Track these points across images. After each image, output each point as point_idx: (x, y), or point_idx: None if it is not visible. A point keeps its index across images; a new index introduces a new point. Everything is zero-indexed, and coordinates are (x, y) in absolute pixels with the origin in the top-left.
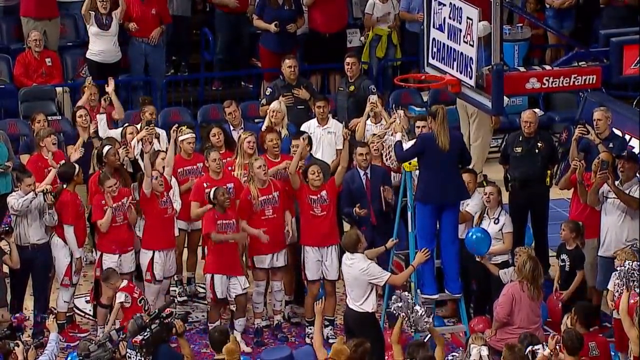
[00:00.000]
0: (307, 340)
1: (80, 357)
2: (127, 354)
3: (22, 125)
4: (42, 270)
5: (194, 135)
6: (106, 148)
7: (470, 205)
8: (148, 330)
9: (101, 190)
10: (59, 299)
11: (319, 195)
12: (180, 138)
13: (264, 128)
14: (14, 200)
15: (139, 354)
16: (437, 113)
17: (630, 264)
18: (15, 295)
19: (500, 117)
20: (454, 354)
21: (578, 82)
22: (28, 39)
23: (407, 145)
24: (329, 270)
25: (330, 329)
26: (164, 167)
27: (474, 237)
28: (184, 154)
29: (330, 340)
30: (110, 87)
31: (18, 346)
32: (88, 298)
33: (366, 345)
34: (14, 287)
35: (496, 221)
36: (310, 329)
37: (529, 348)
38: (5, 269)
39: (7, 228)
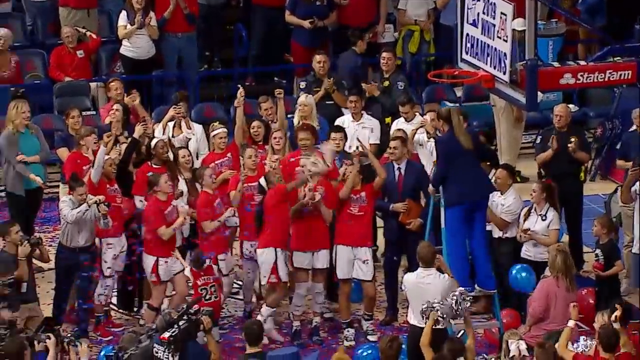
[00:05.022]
0: (346, 343)
1: (133, 349)
2: (155, 350)
3: (57, 120)
4: (87, 269)
5: (225, 130)
6: (154, 140)
7: (507, 210)
8: (176, 326)
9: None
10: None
11: (358, 195)
12: (212, 133)
13: (295, 123)
14: (67, 211)
15: (167, 351)
16: (452, 116)
17: None
18: (61, 296)
19: (529, 112)
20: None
21: (613, 77)
22: (62, 34)
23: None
24: (364, 272)
25: (370, 323)
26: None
27: (519, 276)
28: (217, 148)
29: (369, 337)
30: (136, 102)
31: (50, 339)
32: None
33: (400, 340)
34: (59, 289)
35: (544, 217)
36: (348, 331)
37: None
38: (39, 263)
39: (38, 240)
